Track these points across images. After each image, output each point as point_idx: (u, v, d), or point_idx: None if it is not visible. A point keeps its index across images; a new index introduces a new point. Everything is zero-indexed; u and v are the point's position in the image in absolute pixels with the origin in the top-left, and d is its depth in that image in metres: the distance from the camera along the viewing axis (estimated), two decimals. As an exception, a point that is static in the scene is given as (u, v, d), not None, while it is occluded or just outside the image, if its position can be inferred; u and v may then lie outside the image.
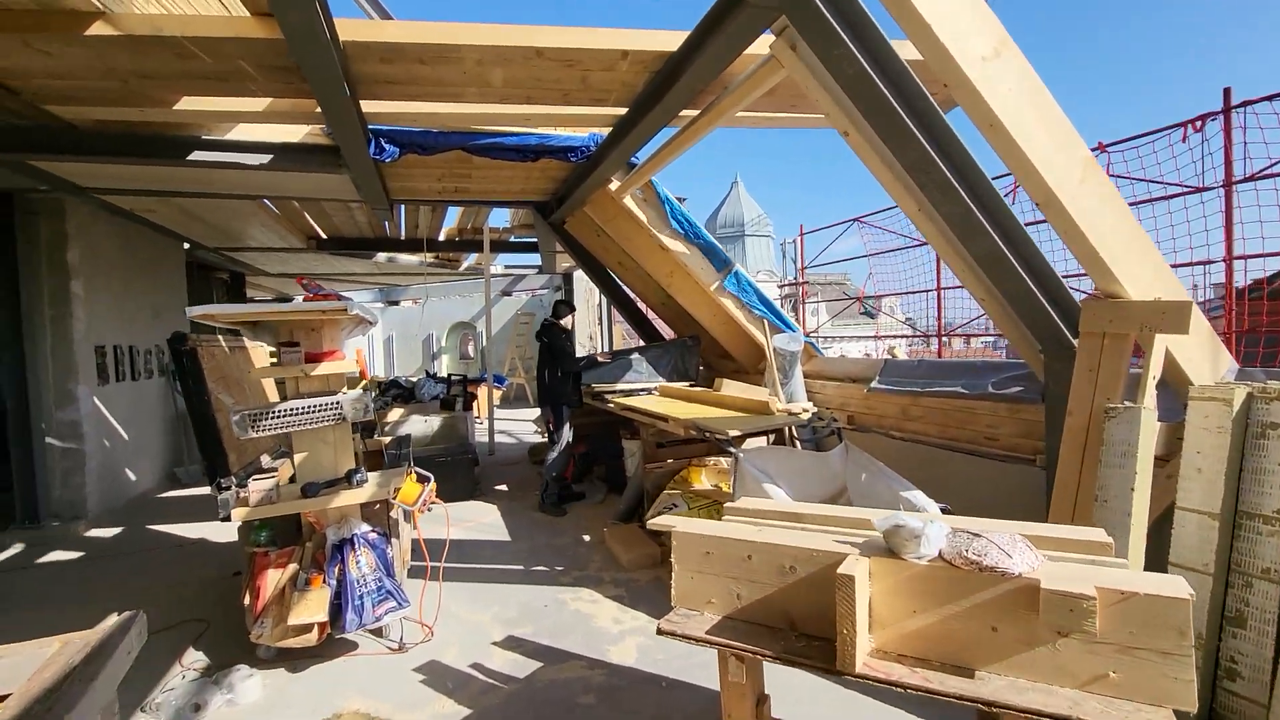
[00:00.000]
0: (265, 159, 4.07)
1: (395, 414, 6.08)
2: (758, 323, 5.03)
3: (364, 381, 8.92)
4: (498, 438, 9.05)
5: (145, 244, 6.85)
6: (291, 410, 2.62)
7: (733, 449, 3.27)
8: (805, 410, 3.86)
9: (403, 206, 6.95)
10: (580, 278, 13.70)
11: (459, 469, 5.74)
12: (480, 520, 5.11)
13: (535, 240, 9.71)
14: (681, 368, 5.77)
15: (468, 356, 15.77)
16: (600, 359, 5.66)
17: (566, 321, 5.39)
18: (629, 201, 4.76)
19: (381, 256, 9.91)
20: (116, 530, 5.26)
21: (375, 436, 5.99)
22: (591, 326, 14.38)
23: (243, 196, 5.48)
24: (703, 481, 4.15)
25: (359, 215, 7.43)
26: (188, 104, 3.49)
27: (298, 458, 2.79)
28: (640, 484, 4.59)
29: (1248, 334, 4.02)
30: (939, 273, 6.45)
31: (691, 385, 5.72)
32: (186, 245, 8.28)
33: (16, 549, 4.83)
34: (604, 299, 11.53)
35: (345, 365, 2.76)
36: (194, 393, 2.79)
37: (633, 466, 5.44)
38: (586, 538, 4.57)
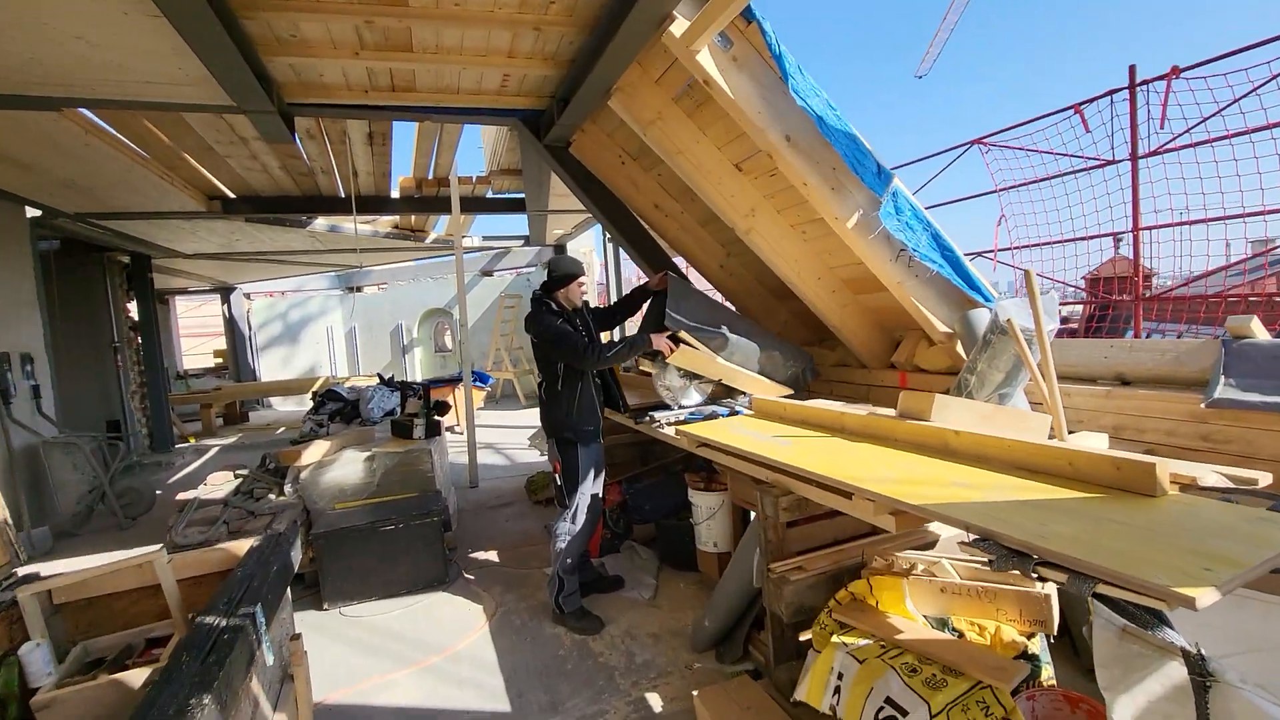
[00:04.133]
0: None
1: (315, 452, 3.83)
2: (941, 287, 2.87)
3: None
4: (482, 456, 6.82)
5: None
6: None
7: (1153, 624, 1.12)
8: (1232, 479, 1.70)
9: (325, 133, 4.65)
10: (576, 250, 11.36)
11: (419, 541, 3.54)
12: (454, 647, 2.92)
13: (521, 196, 7.42)
14: (792, 369, 3.54)
15: (444, 349, 13.43)
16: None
17: (568, 295, 3.09)
18: (705, 60, 2.53)
19: (320, 224, 7.57)
20: None
21: (288, 489, 3.74)
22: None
23: (34, 104, 3.16)
24: (908, 610, 1.98)
25: (269, 160, 5.10)
26: None
27: None
28: (752, 595, 2.44)
29: None
30: (1136, 203, 4.28)
31: (806, 393, 3.54)
32: (38, 213, 5.94)
33: None
34: (608, 271, 9.24)
35: None
36: None
37: (709, 533, 3.27)
38: (655, 701, 2.41)
